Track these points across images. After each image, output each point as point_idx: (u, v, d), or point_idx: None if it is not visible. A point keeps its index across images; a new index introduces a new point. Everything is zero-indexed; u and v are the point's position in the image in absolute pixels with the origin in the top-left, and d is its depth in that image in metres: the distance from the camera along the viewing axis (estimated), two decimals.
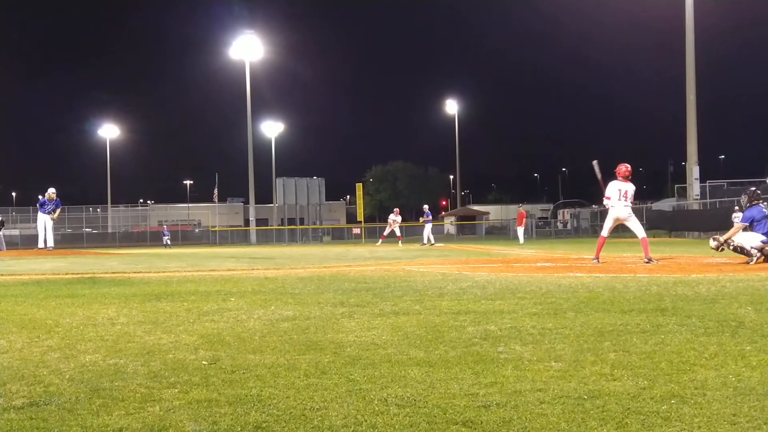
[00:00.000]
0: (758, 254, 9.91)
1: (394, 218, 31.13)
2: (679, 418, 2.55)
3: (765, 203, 10.54)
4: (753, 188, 11.07)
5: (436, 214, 76.40)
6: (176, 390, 3.06)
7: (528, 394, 2.88)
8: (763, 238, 9.95)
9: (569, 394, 2.87)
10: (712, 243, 10.52)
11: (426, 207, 31.44)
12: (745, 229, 10.35)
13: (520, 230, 30.45)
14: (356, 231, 50.73)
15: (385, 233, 32.71)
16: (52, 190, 20.29)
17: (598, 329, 4.42)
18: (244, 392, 2.99)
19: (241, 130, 56.18)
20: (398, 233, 31.26)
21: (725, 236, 10.35)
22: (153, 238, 49.73)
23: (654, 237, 31.88)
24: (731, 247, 10.33)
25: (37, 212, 21.10)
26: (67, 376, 3.34)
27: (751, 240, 10.04)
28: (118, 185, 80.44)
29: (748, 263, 9.92)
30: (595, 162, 12.31)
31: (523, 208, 32.93)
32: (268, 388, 3.05)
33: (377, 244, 31.69)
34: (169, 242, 42.88)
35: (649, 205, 43.79)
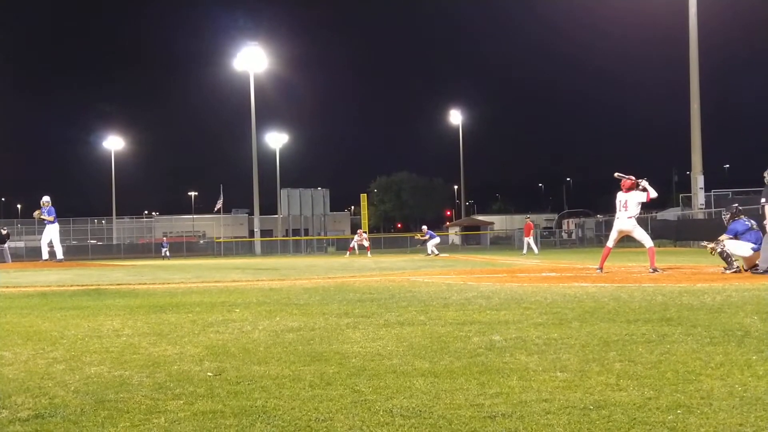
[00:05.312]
0: (736, 267, 10.25)
1: (358, 238, 34.94)
2: (686, 428, 2.54)
3: (746, 216, 10.86)
4: (735, 204, 11.54)
5: (441, 224, 76.37)
6: (181, 401, 3.06)
7: (533, 405, 2.88)
8: (753, 245, 10.22)
9: (575, 405, 2.86)
10: (709, 247, 10.75)
11: (425, 227, 32.08)
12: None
13: (531, 240, 30.56)
14: None
15: (352, 245, 35.12)
16: (45, 198, 20.19)
17: (604, 339, 4.41)
18: (249, 403, 2.99)
19: (246, 142, 56.44)
20: (367, 245, 34.44)
21: (720, 238, 10.60)
22: (158, 250, 49.78)
23: (659, 246, 31.73)
24: (719, 251, 10.59)
25: (43, 225, 21.03)
26: (72, 388, 3.34)
27: (741, 248, 10.31)
28: (123, 197, 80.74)
29: (724, 271, 10.31)
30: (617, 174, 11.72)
31: (529, 219, 33.22)
32: (273, 400, 3.05)
33: (346, 256, 32.74)
34: (168, 254, 42.94)
35: (653, 214, 43.62)
